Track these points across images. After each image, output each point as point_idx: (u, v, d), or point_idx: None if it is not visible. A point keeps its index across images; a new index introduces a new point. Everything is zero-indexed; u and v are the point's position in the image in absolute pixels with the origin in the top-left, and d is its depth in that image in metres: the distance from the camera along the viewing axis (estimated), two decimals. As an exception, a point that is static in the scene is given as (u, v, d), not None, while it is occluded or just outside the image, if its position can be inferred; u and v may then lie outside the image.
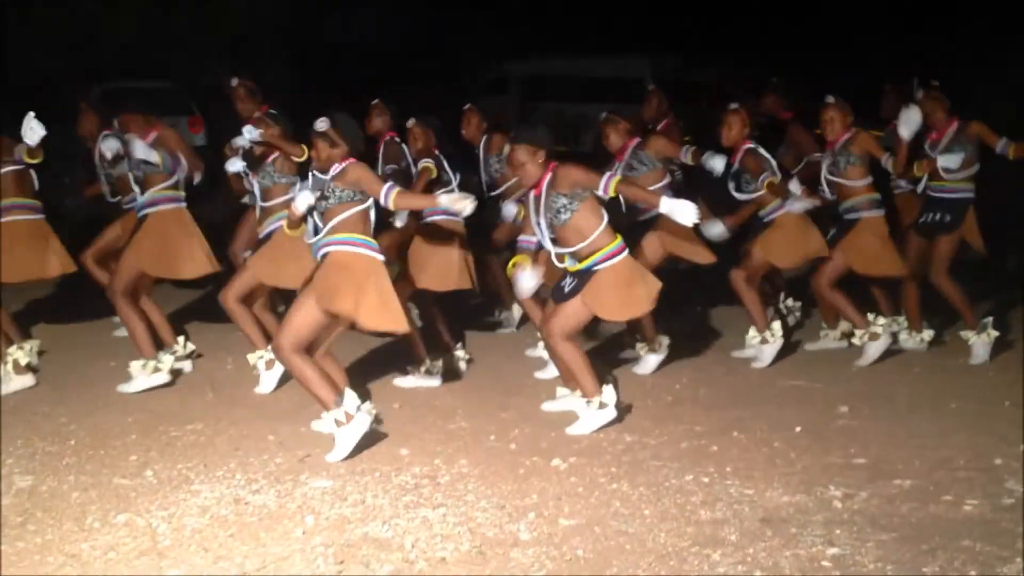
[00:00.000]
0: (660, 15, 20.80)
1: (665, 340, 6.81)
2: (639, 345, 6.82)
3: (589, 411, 5.64)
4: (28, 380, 6.39)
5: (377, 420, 5.62)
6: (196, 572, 4.05)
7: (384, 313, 5.31)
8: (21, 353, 6.41)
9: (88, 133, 7.27)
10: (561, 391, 5.98)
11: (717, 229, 6.86)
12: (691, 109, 8.19)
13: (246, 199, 6.87)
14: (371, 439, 5.44)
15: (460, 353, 6.80)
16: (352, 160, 5.37)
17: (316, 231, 5.36)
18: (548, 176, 5.54)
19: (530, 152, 5.53)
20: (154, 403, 6.12)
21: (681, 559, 4.17)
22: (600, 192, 5.50)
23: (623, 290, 5.59)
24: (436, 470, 5.13)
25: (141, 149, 6.26)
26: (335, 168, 5.35)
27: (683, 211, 5.43)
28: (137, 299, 6.51)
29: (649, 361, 6.77)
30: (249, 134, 6.20)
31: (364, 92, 7.77)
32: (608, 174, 5.56)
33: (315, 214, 5.35)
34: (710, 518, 4.55)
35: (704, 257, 6.80)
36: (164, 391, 6.37)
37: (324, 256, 5.32)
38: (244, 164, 6.38)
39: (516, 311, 7.87)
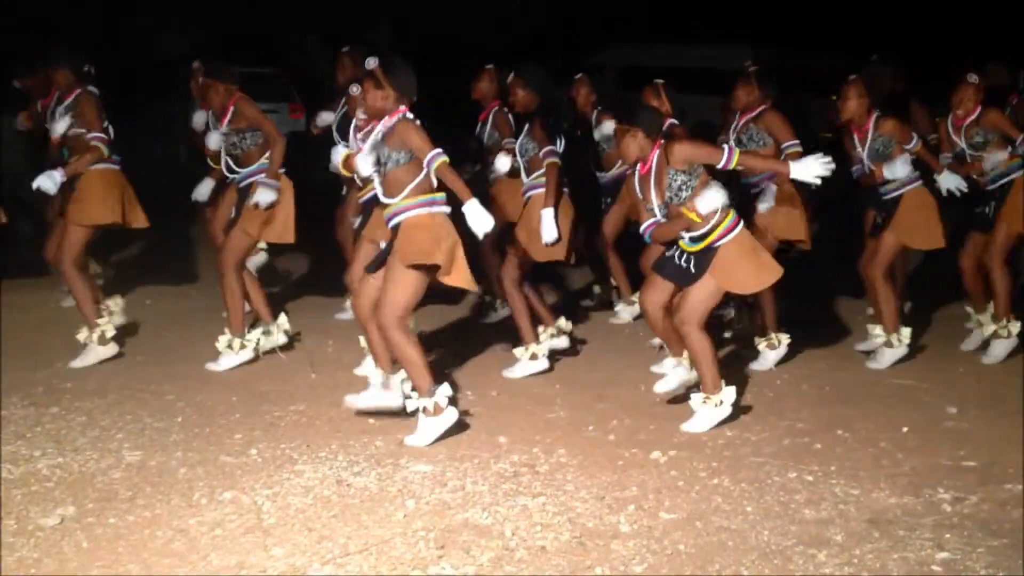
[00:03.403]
0: (762, 4, 20.50)
1: (785, 337, 6.67)
2: (757, 340, 6.70)
3: (706, 408, 5.50)
4: (110, 351, 6.52)
5: (466, 411, 5.64)
6: (300, 551, 4.10)
7: (464, 270, 5.26)
8: (109, 326, 6.55)
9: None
10: (669, 362, 5.74)
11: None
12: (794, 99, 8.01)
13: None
14: (469, 426, 5.48)
15: (563, 323, 6.72)
16: (402, 114, 5.17)
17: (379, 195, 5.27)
18: (656, 153, 5.40)
19: (626, 131, 5.40)
20: (258, 383, 6.22)
21: (785, 558, 4.10)
22: (721, 166, 5.34)
23: (752, 260, 5.42)
24: (535, 459, 5.12)
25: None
26: (384, 124, 5.19)
27: (814, 167, 5.30)
28: (242, 272, 6.57)
29: (768, 357, 6.64)
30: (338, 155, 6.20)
31: (461, 79, 7.77)
32: (728, 146, 5.42)
33: (376, 181, 5.26)
34: (815, 517, 4.47)
35: (804, 236, 6.56)
36: (267, 372, 6.48)
37: (398, 224, 5.21)
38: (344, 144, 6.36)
39: (632, 308, 7.77)
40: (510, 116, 6.80)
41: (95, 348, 6.48)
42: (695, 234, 5.41)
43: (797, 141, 6.49)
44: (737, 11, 20.69)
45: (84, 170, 6.39)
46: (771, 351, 6.65)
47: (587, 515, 4.47)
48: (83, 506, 4.47)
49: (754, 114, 6.61)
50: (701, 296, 5.43)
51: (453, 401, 5.37)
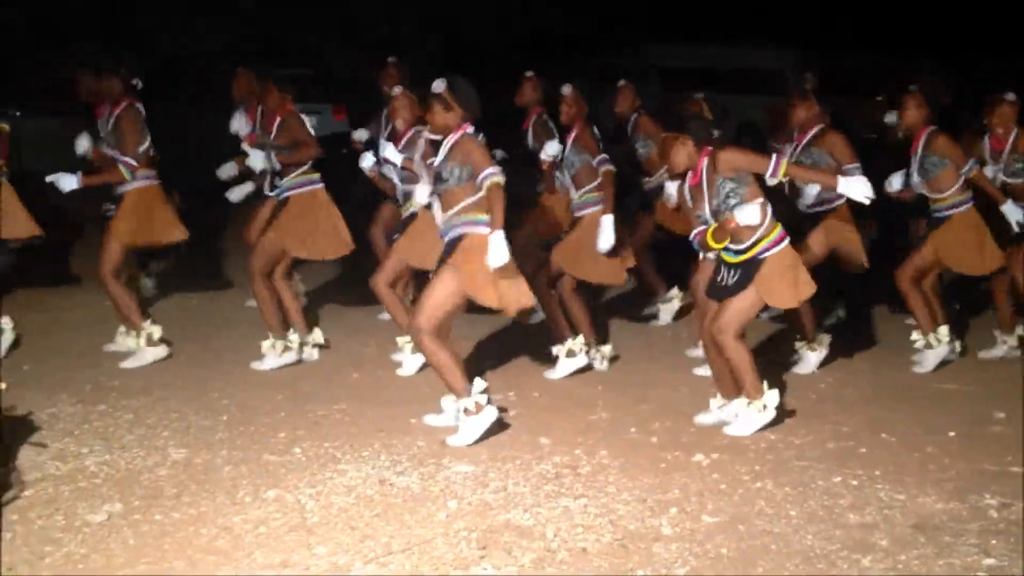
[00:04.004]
0: (807, 5, 20.36)
1: (826, 338, 6.63)
2: (798, 343, 6.67)
3: (750, 412, 5.48)
4: (161, 352, 6.59)
5: (506, 409, 5.64)
6: (343, 549, 4.13)
7: (519, 294, 5.29)
8: (155, 328, 6.61)
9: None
10: (715, 402, 5.66)
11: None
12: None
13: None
14: (511, 427, 5.48)
15: (606, 349, 6.73)
16: (466, 130, 5.28)
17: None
18: (705, 161, 5.39)
19: (675, 139, 5.41)
20: (301, 383, 6.27)
21: (830, 563, 4.07)
22: (768, 175, 5.32)
23: (791, 275, 5.42)
24: (576, 460, 5.12)
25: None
26: (449, 140, 5.26)
27: (860, 188, 5.29)
28: (271, 278, 6.62)
29: (809, 359, 6.61)
30: (394, 156, 6.24)
31: (501, 81, 7.81)
32: (776, 156, 5.39)
33: (435, 197, 5.33)
34: (859, 522, 4.44)
35: (862, 256, 6.55)
36: (309, 371, 6.52)
37: (458, 239, 5.25)
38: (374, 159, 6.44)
39: (669, 307, 7.77)
40: (551, 124, 6.82)
41: (146, 349, 6.56)
42: (740, 246, 5.38)
43: (858, 164, 6.35)
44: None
45: (100, 184, 6.53)
46: (812, 354, 6.60)
47: (629, 517, 4.46)
48: (130, 503, 4.52)
49: (813, 132, 6.49)
50: (742, 306, 5.41)
51: (490, 400, 5.37)
